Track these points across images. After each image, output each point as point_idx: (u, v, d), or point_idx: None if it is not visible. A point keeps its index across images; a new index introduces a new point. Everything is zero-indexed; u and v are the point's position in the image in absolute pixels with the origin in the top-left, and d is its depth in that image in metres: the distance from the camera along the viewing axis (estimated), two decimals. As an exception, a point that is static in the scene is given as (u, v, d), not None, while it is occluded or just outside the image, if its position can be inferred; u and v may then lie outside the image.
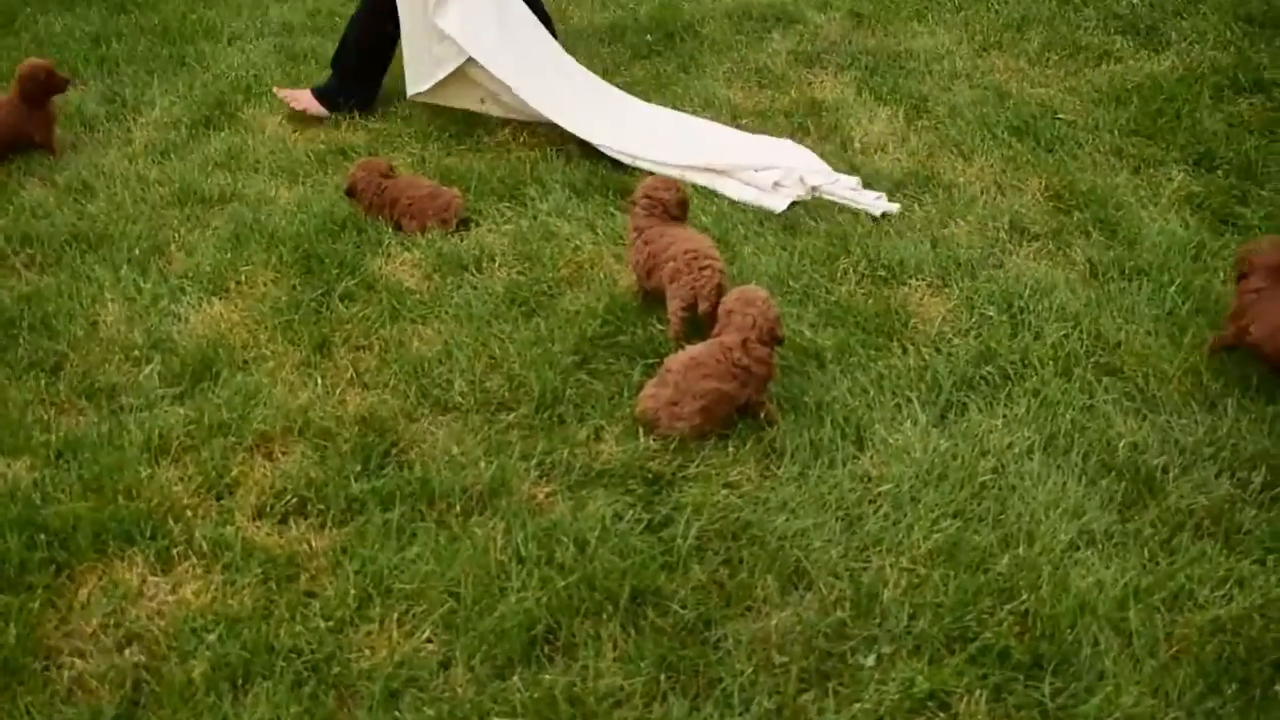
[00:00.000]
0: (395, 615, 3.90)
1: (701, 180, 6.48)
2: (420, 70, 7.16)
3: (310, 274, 5.67)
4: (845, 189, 6.41)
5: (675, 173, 6.40)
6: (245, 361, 5.11)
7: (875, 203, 6.32)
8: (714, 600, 3.97)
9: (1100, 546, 4.18)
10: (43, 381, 4.97)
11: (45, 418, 4.80)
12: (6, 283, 5.68)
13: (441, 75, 7.07)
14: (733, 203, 6.23)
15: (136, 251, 5.88)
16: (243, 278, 5.66)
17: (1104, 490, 4.41)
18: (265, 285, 5.62)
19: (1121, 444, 4.61)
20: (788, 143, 6.85)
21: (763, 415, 4.70)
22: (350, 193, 6.21)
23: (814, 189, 6.39)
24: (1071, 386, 4.91)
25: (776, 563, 4.10)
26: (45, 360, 5.11)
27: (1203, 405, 4.82)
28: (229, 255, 5.83)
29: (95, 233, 6.07)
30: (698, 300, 5.04)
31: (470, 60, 6.93)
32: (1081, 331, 5.22)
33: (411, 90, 7.23)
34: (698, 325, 5.04)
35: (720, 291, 5.01)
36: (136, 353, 5.14)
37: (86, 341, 5.23)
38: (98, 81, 7.93)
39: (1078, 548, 4.17)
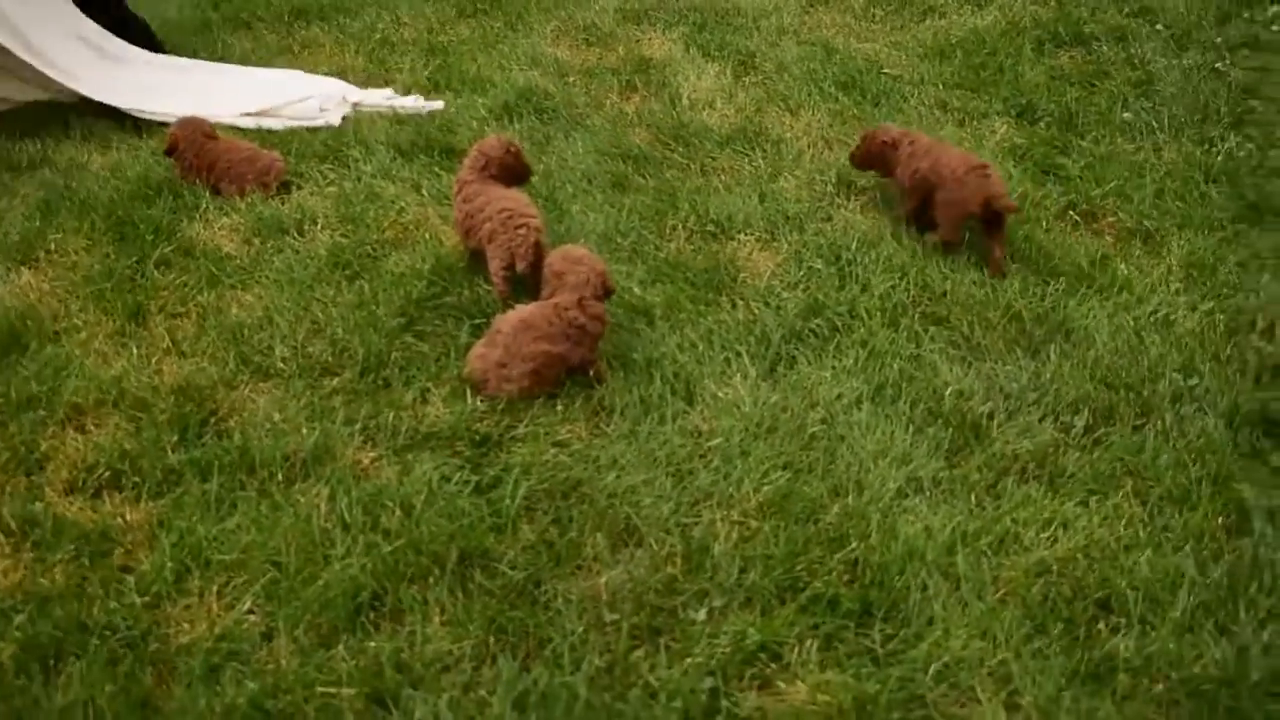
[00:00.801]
0: (215, 588, 3.78)
1: (250, 125, 6.61)
2: None
3: (124, 241, 5.47)
4: (383, 98, 6.88)
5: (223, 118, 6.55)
6: (56, 333, 4.92)
7: (415, 103, 6.81)
8: (543, 560, 3.90)
9: (928, 493, 4.21)
10: None
11: None
12: None
13: None
14: (561, 160, 6.14)
15: (-61, 221, 5.63)
16: (53, 246, 5.45)
17: (931, 438, 4.44)
18: (77, 254, 5.41)
19: (948, 392, 4.64)
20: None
21: (592, 373, 4.65)
22: (170, 152, 6.00)
23: (355, 104, 6.78)
24: (899, 336, 4.94)
25: (606, 521, 4.05)
26: None
27: (1026, 352, 4.89)
28: (38, 224, 5.61)
29: (-109, 202, 5.80)
30: (515, 260, 4.97)
31: None
32: (908, 282, 5.25)
33: None
34: (523, 284, 4.95)
35: (538, 250, 4.95)
36: (-62, 326, 4.92)
37: (-115, 315, 4.99)
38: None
39: (906, 495, 4.19)
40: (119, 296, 5.09)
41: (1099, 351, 4.85)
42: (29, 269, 5.32)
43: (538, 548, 3.95)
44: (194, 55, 7.42)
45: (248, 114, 6.63)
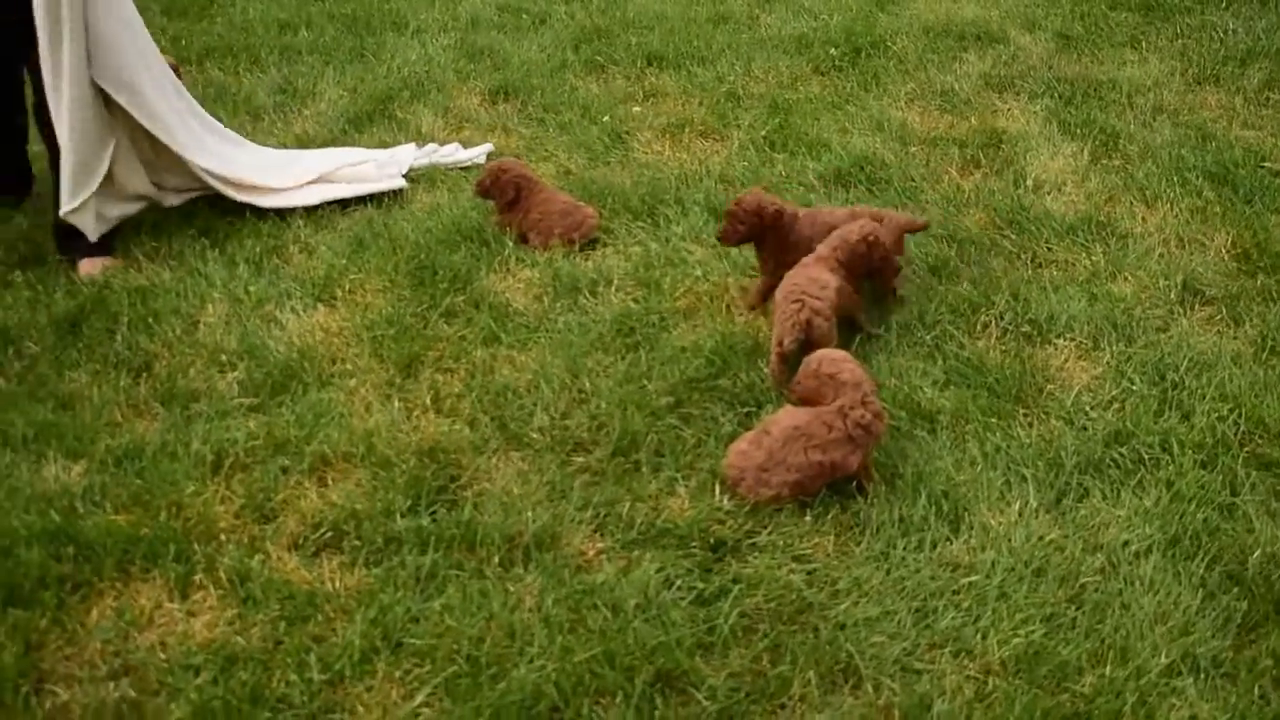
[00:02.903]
0: (398, 673, 3.62)
1: (315, 197, 6.24)
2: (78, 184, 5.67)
3: (421, 286, 5.45)
4: (444, 155, 6.76)
5: (292, 197, 6.22)
6: (331, 377, 4.91)
7: (456, 154, 6.78)
8: (745, 691, 3.57)
9: (1204, 675, 3.63)
10: (125, 382, 4.87)
11: (118, 420, 4.69)
12: (124, 274, 5.62)
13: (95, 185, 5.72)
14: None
15: (257, 249, 5.76)
16: (350, 286, 5.47)
17: (1223, 608, 3.85)
18: (372, 295, 5.42)
19: (1256, 555, 4.03)
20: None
21: (855, 483, 4.29)
22: (485, 194, 5.96)
23: (410, 166, 6.61)
24: (1213, 479, 4.34)
25: (826, 655, 3.68)
26: (135, 359, 5.02)
27: (1364, 515, 4.21)
28: (345, 260, 5.65)
29: (224, 228, 5.97)
30: (784, 336, 4.69)
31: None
32: (1240, 415, 4.63)
33: (68, 206, 5.67)
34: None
35: (809, 329, 4.66)
36: (224, 358, 5.00)
37: (181, 343, 5.11)
38: (277, 70, 7.90)
39: (1178, 674, 3.63)
40: (398, 344, 5.04)
41: None
42: (324, 306, 5.36)
43: (743, 677, 3.62)
44: (540, 95, 7.42)
45: (318, 180, 6.36)
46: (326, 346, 5.08)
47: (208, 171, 6.02)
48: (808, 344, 4.62)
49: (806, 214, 5.36)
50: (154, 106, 5.82)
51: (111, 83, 5.60)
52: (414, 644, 3.70)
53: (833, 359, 4.37)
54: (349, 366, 4.97)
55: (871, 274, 5.12)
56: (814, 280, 4.86)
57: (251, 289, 5.43)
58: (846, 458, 4.24)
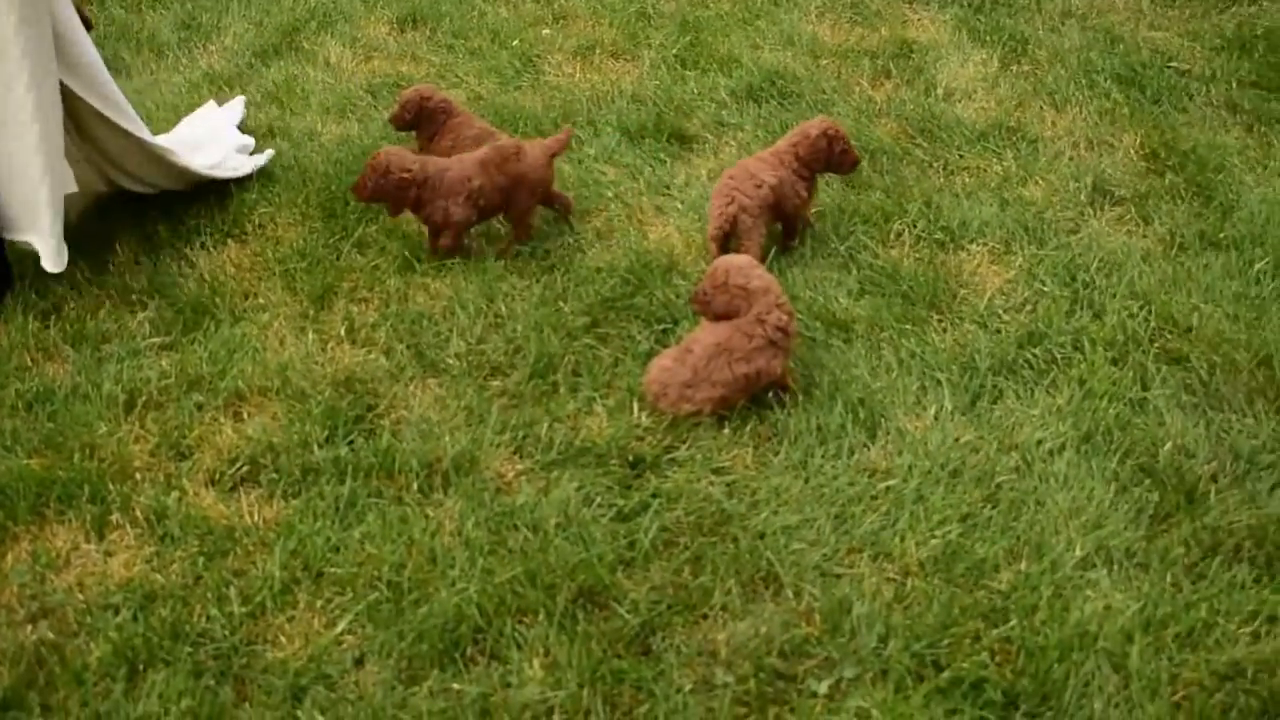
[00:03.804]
0: (319, 603, 3.61)
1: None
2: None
3: (333, 217, 5.39)
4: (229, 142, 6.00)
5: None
6: (244, 311, 4.86)
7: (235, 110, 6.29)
8: (667, 604, 3.59)
9: (1118, 566, 3.70)
10: (34, 326, 4.78)
11: (28, 364, 4.62)
12: (29, 217, 5.50)
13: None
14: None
15: (165, 187, 5.67)
16: (261, 220, 5.40)
17: (1135, 499, 3.92)
18: (283, 228, 5.36)
19: (1167, 446, 4.09)
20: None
21: (772, 393, 4.31)
22: (406, 125, 5.86)
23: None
24: (1124, 375, 4.41)
25: (746, 564, 3.71)
26: (43, 303, 4.92)
27: (1272, 404, 4.28)
28: (255, 195, 5.57)
29: (130, 167, 5.87)
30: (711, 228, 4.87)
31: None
32: (1149, 312, 4.69)
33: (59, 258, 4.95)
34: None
35: (734, 224, 4.83)
36: (134, 297, 4.94)
37: (90, 284, 5.02)
38: (180, 5, 7.75)
39: (1092, 566, 3.70)
40: (311, 277, 4.99)
41: (1359, 411, 4.20)
42: (235, 242, 5.28)
43: (664, 589, 3.64)
44: (449, 22, 7.32)
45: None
46: (238, 281, 5.03)
47: (158, 146, 5.32)
48: (732, 236, 4.78)
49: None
50: (109, 90, 5.12)
51: (69, 70, 4.90)
52: (335, 573, 3.70)
53: (740, 269, 4.35)
54: (261, 300, 4.92)
55: (830, 168, 5.17)
56: (752, 177, 4.91)
57: (160, 227, 5.35)
58: (770, 362, 4.26)
